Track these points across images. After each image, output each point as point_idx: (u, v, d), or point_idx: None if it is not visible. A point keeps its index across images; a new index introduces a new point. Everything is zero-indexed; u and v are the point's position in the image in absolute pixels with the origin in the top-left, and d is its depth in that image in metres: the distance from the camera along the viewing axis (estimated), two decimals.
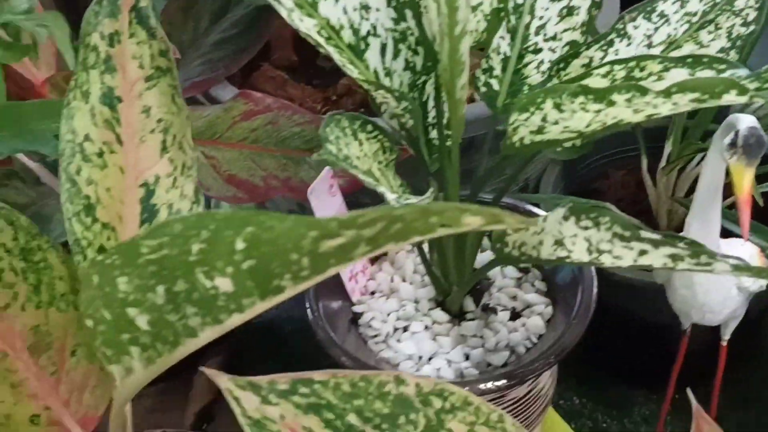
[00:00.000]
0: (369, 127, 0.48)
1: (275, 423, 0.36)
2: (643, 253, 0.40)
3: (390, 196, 0.43)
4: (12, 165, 0.69)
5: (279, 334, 0.92)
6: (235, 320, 0.37)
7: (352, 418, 0.37)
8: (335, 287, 0.59)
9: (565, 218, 0.43)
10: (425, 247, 0.57)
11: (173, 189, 0.50)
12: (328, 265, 0.33)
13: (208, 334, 0.38)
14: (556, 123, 0.43)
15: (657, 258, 0.40)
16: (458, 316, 0.57)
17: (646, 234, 0.40)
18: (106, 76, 0.49)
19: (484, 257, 0.58)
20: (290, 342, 0.91)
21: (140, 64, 0.50)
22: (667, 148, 0.75)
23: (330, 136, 0.44)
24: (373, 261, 0.61)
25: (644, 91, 0.39)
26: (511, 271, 0.59)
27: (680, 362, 0.66)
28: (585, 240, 0.43)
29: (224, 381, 0.36)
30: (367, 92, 0.77)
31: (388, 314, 0.57)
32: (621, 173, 0.82)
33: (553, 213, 0.44)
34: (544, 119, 0.43)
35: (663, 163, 0.75)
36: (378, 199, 0.65)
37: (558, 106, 0.42)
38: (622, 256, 0.41)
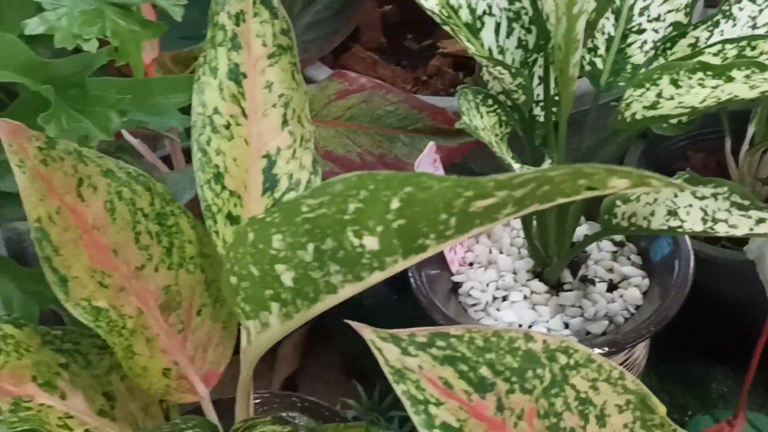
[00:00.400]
0: (489, 101, 0.50)
1: (414, 373, 0.39)
2: (761, 221, 0.42)
3: (516, 166, 0.45)
4: (122, 139, 0.73)
5: (359, 308, 0.95)
6: (376, 277, 0.39)
7: (484, 371, 0.39)
8: (435, 258, 0.61)
9: (681, 189, 0.46)
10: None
11: (293, 160, 0.53)
12: (472, 225, 0.36)
13: (347, 291, 0.40)
14: (671, 98, 0.45)
15: None
16: (556, 287, 0.59)
17: (764, 204, 0.42)
18: (233, 53, 0.52)
19: (579, 231, 0.60)
20: (370, 316, 0.93)
21: (263, 42, 0.53)
22: (750, 130, 0.76)
23: (463, 107, 0.46)
24: None
25: (764, 68, 0.41)
26: (606, 245, 0.61)
27: (765, 338, 0.67)
28: (701, 210, 0.45)
29: (368, 333, 0.39)
30: (456, 73, 0.80)
31: (487, 284, 0.60)
32: (701, 155, 0.84)
33: None
34: (659, 95, 0.45)
35: (746, 145, 0.76)
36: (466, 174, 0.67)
37: (675, 82, 0.44)
38: (737, 225, 0.43)
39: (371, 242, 0.37)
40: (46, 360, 0.50)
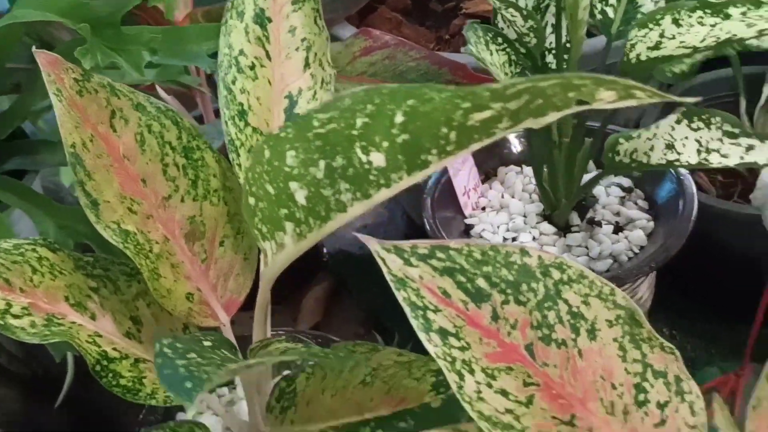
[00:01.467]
0: (499, 40, 0.53)
1: (414, 282, 0.41)
2: (750, 148, 0.44)
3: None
4: (155, 91, 0.76)
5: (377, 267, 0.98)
6: (383, 195, 0.41)
7: (481, 282, 0.42)
8: (449, 202, 0.64)
9: (678, 122, 0.48)
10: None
11: (313, 101, 0.56)
12: (471, 140, 0.38)
13: (356, 209, 0.43)
14: (672, 38, 0.47)
15: (763, 153, 0.43)
16: (564, 229, 0.61)
17: (754, 131, 0.44)
18: None
19: (590, 179, 0.63)
20: None
21: None
22: (765, 90, 0.78)
23: (471, 39, 0.49)
24: (484, 180, 0.66)
25: (758, 5, 0.43)
26: (615, 190, 0.63)
27: None
28: (695, 141, 0.47)
29: (373, 244, 0.42)
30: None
31: (498, 226, 0.62)
32: None
33: (666, 119, 0.48)
34: (661, 35, 0.47)
35: (762, 103, 0.78)
36: None
37: (676, 21, 0.46)
38: (729, 154, 0.45)
39: (378, 158, 0.39)
40: (78, 283, 0.53)
